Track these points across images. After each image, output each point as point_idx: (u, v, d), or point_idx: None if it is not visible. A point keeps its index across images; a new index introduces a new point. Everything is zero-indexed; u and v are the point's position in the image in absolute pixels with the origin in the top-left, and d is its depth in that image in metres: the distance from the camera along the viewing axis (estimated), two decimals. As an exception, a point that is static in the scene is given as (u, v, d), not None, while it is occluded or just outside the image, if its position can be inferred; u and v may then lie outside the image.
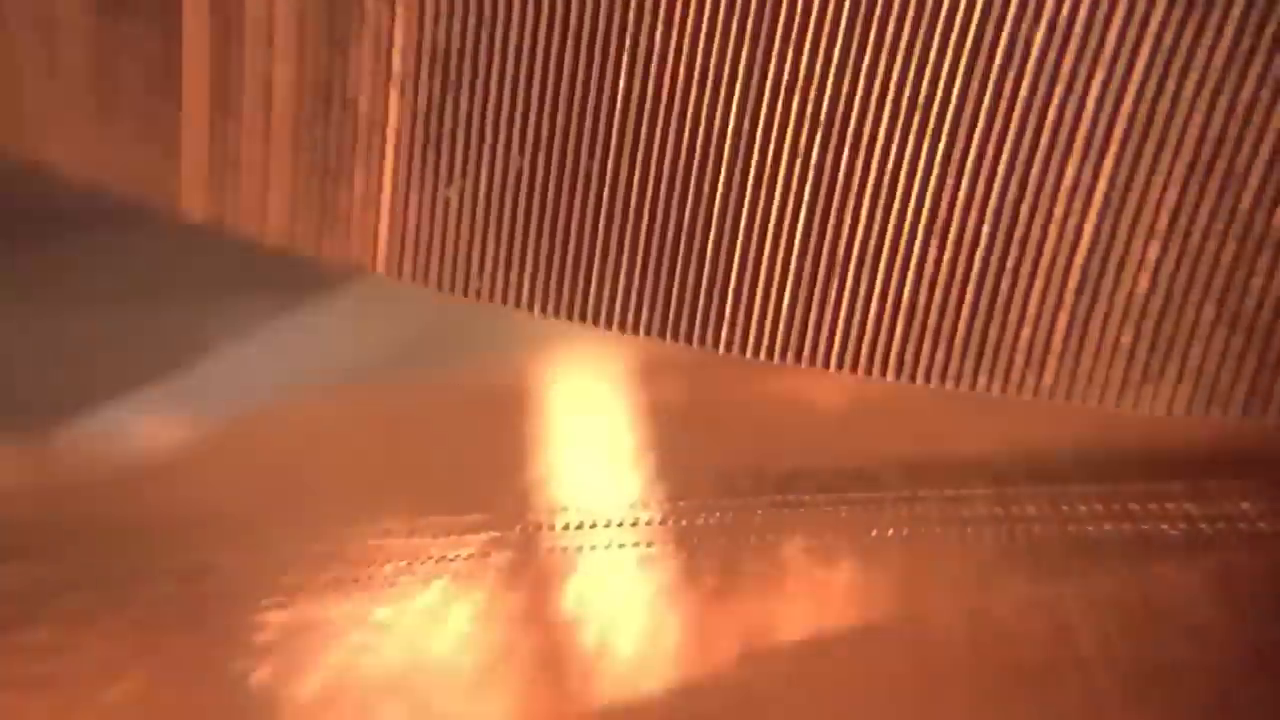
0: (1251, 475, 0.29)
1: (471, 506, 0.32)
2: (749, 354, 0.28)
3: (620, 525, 0.30)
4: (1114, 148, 0.26)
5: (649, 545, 0.30)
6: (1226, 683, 0.23)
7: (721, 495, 0.31)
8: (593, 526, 0.30)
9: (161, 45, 0.31)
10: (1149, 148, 0.26)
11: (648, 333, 0.29)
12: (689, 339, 0.29)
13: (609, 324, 0.29)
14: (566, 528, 0.31)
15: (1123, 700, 0.22)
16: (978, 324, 0.28)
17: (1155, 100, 0.26)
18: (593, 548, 0.30)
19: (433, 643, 0.26)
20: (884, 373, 0.28)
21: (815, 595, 0.27)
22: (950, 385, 0.28)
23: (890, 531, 0.29)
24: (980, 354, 0.28)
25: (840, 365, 0.28)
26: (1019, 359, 0.28)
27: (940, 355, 0.28)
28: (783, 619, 0.26)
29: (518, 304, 0.29)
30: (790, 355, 0.28)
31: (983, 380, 0.28)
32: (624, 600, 0.28)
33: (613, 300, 0.29)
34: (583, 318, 0.29)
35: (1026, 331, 0.27)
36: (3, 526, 0.35)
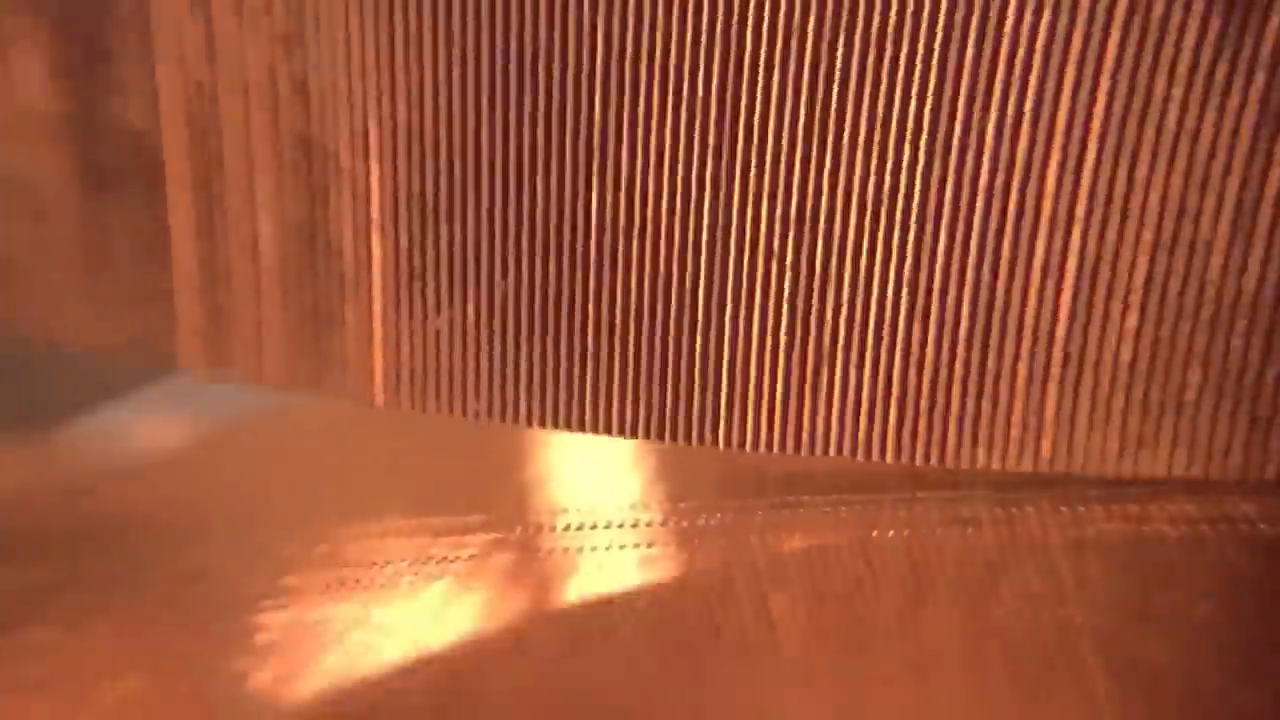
0: (1251, 475, 0.29)
1: (472, 508, 0.32)
2: (749, 449, 0.29)
3: (621, 526, 0.30)
4: (1079, 224, 0.27)
5: (649, 546, 0.30)
6: (1226, 684, 0.23)
7: (722, 496, 0.31)
8: (593, 528, 0.30)
9: (149, 216, 0.32)
10: (1113, 222, 0.27)
11: (646, 437, 0.30)
12: (688, 439, 0.29)
13: (608, 431, 0.30)
14: (567, 529, 0.31)
15: (1121, 700, 0.22)
16: (969, 401, 0.28)
17: (1112, 178, 0.27)
18: (593, 549, 0.30)
19: (434, 643, 0.26)
20: (883, 455, 0.29)
21: (815, 595, 0.27)
22: (950, 463, 0.28)
23: (890, 532, 0.29)
24: (975, 430, 0.28)
25: (840, 451, 0.29)
26: (1014, 432, 0.28)
27: (936, 434, 0.28)
28: (782, 618, 0.26)
29: (516, 420, 0.30)
30: (789, 446, 0.29)
31: (981, 456, 0.29)
32: (624, 600, 0.28)
33: (609, 409, 0.30)
34: (580, 428, 0.30)
35: (1019, 405, 0.28)
36: (3, 526, 0.35)
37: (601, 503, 0.32)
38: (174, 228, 0.31)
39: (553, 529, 0.31)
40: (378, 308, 0.30)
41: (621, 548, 0.30)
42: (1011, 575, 0.27)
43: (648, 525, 0.30)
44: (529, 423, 0.30)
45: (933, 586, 0.27)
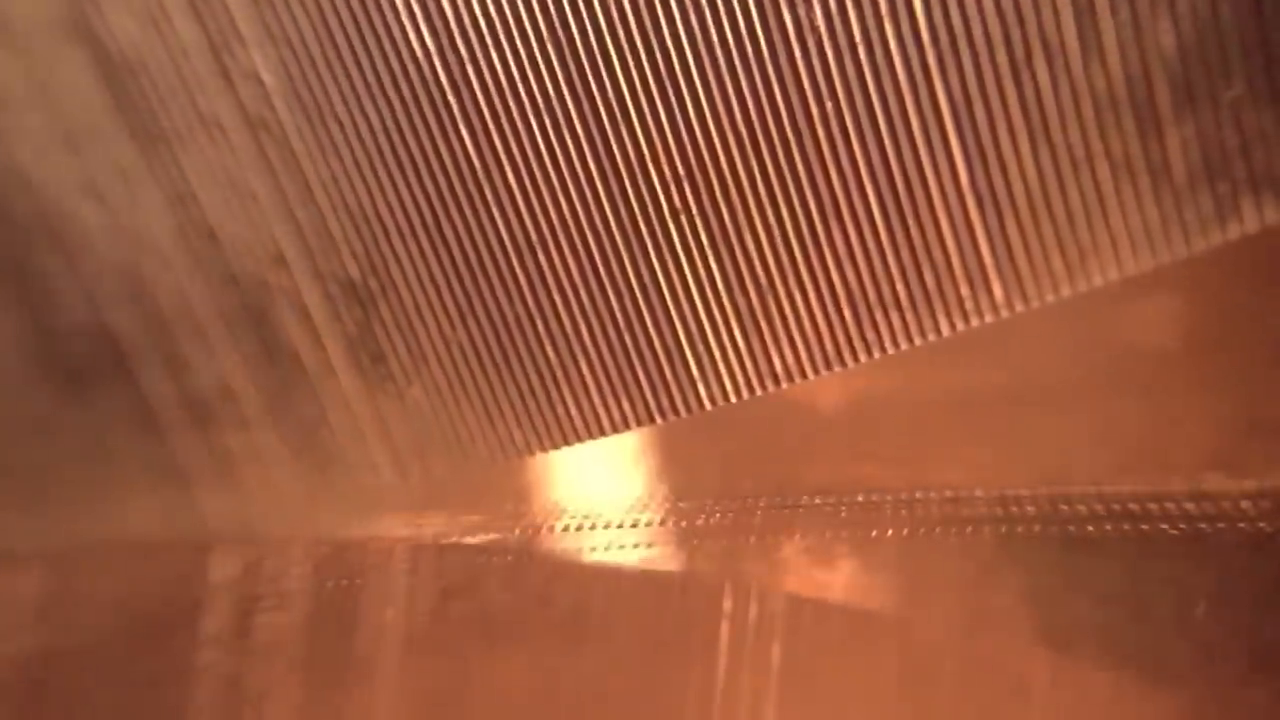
0: (1251, 475, 0.29)
1: (472, 509, 0.32)
2: (734, 399, 0.30)
3: (621, 527, 0.30)
4: (940, 72, 0.28)
5: (649, 546, 0.30)
6: (1226, 683, 0.23)
7: (722, 496, 0.31)
8: (593, 528, 0.30)
9: (131, 397, 0.33)
10: (966, 61, 0.28)
11: (639, 425, 0.30)
12: (675, 413, 0.30)
13: (601, 433, 0.31)
14: (567, 529, 0.31)
15: (1122, 700, 0.22)
16: (911, 275, 0.29)
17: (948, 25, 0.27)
18: (593, 549, 0.30)
19: (434, 642, 0.26)
20: (856, 357, 0.29)
21: (815, 595, 0.27)
22: (919, 340, 0.29)
23: (890, 532, 0.29)
24: (928, 299, 0.29)
25: (816, 369, 0.29)
26: (964, 288, 0.29)
27: (895, 318, 0.29)
28: (783, 619, 0.26)
29: (515, 453, 0.31)
30: (770, 382, 0.30)
31: (944, 323, 0.29)
32: (624, 601, 0.28)
33: (594, 412, 0.31)
34: (576, 439, 0.31)
35: (956, 261, 0.29)
36: (3, 530, 0.35)
37: (601, 504, 0.32)
38: (154, 400, 0.33)
39: (552, 530, 0.31)
40: (354, 399, 0.32)
41: (621, 548, 0.30)
42: (1011, 574, 0.27)
43: (647, 526, 0.30)
44: (530, 451, 0.31)
45: (931, 586, 0.27)
